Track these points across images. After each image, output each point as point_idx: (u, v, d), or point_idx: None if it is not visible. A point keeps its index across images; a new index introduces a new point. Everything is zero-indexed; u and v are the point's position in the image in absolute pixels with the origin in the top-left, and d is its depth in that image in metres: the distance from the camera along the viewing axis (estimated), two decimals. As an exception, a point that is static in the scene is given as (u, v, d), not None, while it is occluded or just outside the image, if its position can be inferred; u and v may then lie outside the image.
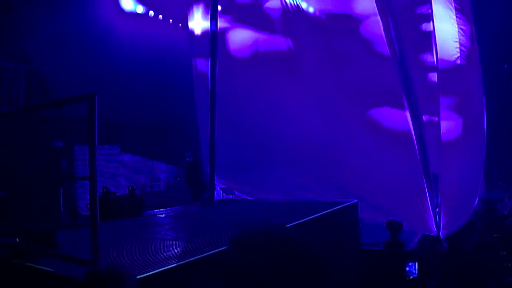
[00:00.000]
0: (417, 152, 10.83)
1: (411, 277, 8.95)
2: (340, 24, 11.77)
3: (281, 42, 12.60)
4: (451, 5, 11.68)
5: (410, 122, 10.89)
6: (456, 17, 11.76)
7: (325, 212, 7.83)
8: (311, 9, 12.33)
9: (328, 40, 11.84)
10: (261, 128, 12.89)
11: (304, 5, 12.23)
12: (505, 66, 23.36)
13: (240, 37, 13.32)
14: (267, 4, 12.92)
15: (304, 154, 12.30)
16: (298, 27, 12.21)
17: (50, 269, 4.29)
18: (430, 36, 11.09)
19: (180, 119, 15.72)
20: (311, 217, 7.27)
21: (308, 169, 12.29)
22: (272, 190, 12.35)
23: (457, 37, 11.81)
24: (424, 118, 11.46)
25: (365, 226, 10.00)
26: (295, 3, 12.14)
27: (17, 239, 5.06)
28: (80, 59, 13.72)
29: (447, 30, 11.60)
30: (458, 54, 11.81)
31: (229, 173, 12.95)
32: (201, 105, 13.37)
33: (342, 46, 11.61)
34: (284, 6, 12.28)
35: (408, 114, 10.90)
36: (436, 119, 11.33)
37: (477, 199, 13.44)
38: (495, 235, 12.98)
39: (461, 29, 11.86)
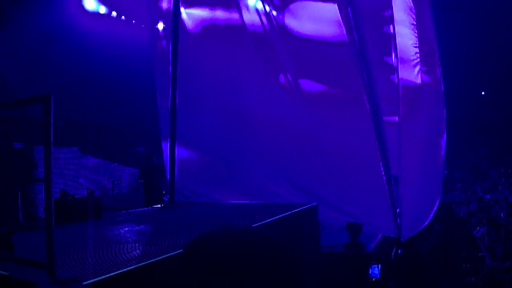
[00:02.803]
0: (378, 153, 10.90)
1: (374, 279, 9.03)
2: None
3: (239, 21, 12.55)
4: (412, 11, 11.89)
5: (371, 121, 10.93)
6: (415, 22, 11.97)
7: (284, 214, 7.89)
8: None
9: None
10: (224, 126, 12.85)
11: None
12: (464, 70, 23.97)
13: (196, 17, 13.24)
14: None
15: (268, 155, 12.32)
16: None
17: (5, 273, 4.22)
18: (390, 38, 11.22)
19: (142, 120, 15.63)
20: (270, 219, 7.33)
21: (271, 170, 12.31)
22: (235, 192, 12.32)
23: (416, 41, 12.01)
24: (385, 118, 11.50)
25: (326, 228, 10.09)
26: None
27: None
28: (42, 58, 13.53)
29: (406, 35, 11.79)
30: (418, 59, 12.03)
31: (190, 175, 12.89)
32: (161, 96, 13.41)
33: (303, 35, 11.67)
34: None
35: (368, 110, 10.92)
36: (397, 119, 11.45)
37: (437, 201, 13.66)
38: (453, 237, 13.26)
39: (418, 34, 12.08)
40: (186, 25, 13.10)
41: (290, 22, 11.73)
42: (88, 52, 14.40)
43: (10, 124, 12.01)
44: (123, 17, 16.38)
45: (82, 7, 15.41)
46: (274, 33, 11.99)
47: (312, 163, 11.68)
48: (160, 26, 13.79)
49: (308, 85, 11.79)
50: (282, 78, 12.06)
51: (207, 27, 12.98)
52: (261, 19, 12.15)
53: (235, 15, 12.58)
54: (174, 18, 12.18)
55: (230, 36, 12.65)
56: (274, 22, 11.93)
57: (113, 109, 15.59)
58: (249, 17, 12.35)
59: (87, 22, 15.00)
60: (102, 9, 15.86)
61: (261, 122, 12.27)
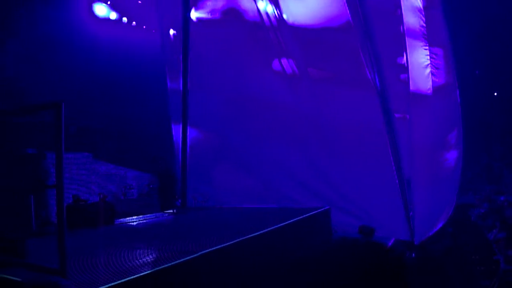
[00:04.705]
0: (391, 156, 10.82)
1: None
2: None
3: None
4: (421, 13, 11.81)
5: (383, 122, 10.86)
6: (425, 24, 11.90)
7: (297, 218, 7.87)
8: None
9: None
10: (236, 132, 12.89)
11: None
12: (476, 72, 23.83)
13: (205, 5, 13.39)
14: None
15: (280, 162, 12.29)
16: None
17: (18, 279, 4.23)
18: (401, 38, 11.16)
19: (154, 125, 15.65)
20: (283, 223, 7.31)
21: (281, 170, 12.28)
22: (246, 196, 12.29)
23: (426, 43, 11.93)
24: (396, 115, 11.37)
25: (338, 232, 10.03)
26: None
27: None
28: (54, 65, 13.60)
29: (415, 36, 11.71)
30: (428, 62, 11.94)
31: (203, 179, 12.90)
32: (172, 81, 13.68)
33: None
34: None
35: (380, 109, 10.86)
36: (408, 116, 11.36)
37: (453, 205, 13.55)
38: (467, 239, 13.13)
39: (428, 35, 11.99)
40: (195, 13, 13.23)
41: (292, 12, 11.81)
42: (99, 58, 14.46)
43: (23, 130, 12.07)
44: (133, 23, 16.45)
45: (93, 13, 15.49)
46: (279, 24, 12.04)
47: (324, 166, 11.64)
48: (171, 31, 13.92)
49: (315, 72, 11.80)
50: (288, 67, 12.09)
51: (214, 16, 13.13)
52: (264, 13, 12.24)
53: (243, 6, 12.66)
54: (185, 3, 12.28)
55: (236, 25, 12.75)
56: (278, 15, 12.00)
57: (124, 114, 15.62)
58: (255, 9, 12.42)
59: (98, 28, 15.08)
60: (113, 15, 15.94)
61: (270, 114, 12.32)
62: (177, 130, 13.31)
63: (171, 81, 13.81)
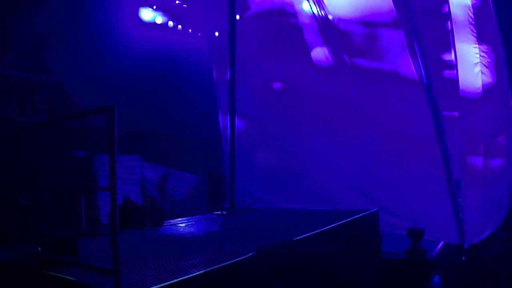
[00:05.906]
0: (439, 156, 10.66)
1: None
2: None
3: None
4: (469, 10, 11.57)
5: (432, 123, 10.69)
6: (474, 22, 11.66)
7: (345, 221, 7.81)
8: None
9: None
10: (285, 133, 12.90)
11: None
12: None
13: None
14: None
15: (325, 162, 12.25)
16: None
17: (72, 278, 4.32)
18: (448, 35, 10.99)
19: (201, 127, 15.78)
20: (331, 226, 7.28)
21: (329, 176, 12.22)
22: (295, 198, 12.27)
23: (475, 41, 11.68)
24: (445, 113, 11.18)
25: (386, 235, 9.92)
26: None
27: (39, 248, 5.12)
28: (101, 70, 13.86)
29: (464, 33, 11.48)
30: (478, 60, 11.69)
31: (252, 181, 12.95)
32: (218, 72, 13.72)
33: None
34: None
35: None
36: (457, 114, 11.18)
37: (505, 208, 13.20)
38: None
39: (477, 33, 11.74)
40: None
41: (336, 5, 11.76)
42: (145, 62, 14.66)
43: (72, 133, 12.36)
44: (179, 26, 16.64)
45: (139, 18, 15.74)
46: (323, 18, 12.00)
47: (372, 168, 11.54)
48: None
49: (359, 65, 11.73)
50: (332, 59, 12.04)
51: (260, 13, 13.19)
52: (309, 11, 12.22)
53: (288, 6, 12.69)
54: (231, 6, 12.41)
55: (280, 20, 12.79)
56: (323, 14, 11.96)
57: (172, 117, 15.81)
58: (300, 8, 12.44)
59: (144, 32, 15.30)
60: (159, 19, 16.16)
61: (315, 109, 12.30)
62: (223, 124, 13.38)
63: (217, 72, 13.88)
